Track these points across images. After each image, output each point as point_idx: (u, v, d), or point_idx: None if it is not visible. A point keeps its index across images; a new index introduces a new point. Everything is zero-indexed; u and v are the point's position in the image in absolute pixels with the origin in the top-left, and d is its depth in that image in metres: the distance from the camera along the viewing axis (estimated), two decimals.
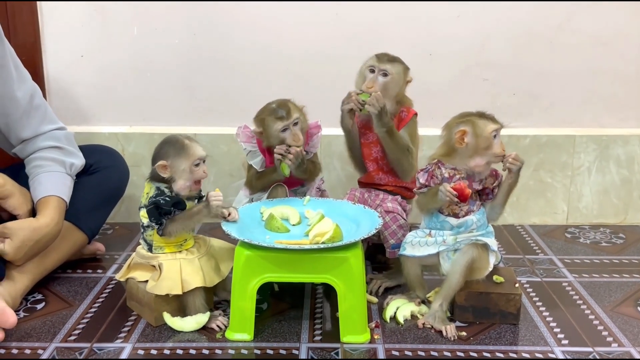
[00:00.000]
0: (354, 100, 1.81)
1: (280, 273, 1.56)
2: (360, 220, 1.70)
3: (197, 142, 1.63)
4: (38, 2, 2.27)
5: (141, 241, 1.68)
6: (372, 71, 1.82)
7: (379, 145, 1.88)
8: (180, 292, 1.58)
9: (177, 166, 1.59)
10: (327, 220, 1.61)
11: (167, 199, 1.58)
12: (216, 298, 1.75)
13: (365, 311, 1.59)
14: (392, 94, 1.83)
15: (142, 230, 1.65)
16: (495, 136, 1.62)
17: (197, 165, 1.60)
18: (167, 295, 1.59)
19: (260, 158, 1.88)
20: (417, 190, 1.70)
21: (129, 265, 1.70)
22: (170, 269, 1.60)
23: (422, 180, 1.68)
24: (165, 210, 1.57)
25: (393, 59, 1.84)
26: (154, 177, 1.62)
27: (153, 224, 1.59)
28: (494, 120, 1.63)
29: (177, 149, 1.59)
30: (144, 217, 1.62)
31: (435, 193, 1.62)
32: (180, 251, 1.64)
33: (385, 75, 1.81)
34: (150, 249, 1.64)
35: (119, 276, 1.71)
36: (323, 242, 1.53)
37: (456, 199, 1.59)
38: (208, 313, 1.62)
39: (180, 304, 1.63)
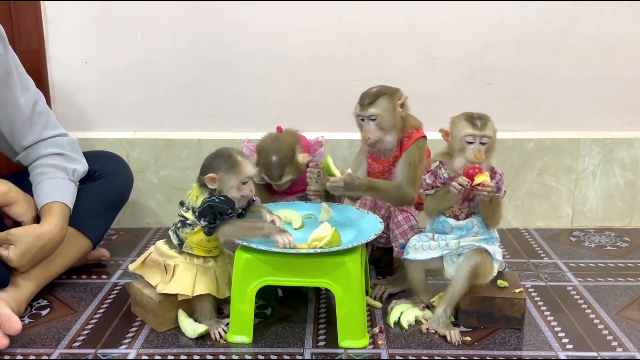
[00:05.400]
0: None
1: (279, 277, 1.57)
2: (362, 225, 1.70)
3: (249, 158, 1.62)
4: (42, 8, 2.29)
5: (171, 234, 1.65)
6: (363, 119, 1.81)
7: (385, 174, 1.87)
8: (190, 295, 1.58)
9: (226, 181, 1.58)
10: (326, 225, 1.61)
11: (222, 198, 1.57)
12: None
13: (364, 316, 1.59)
14: (389, 127, 1.81)
15: (178, 225, 1.63)
16: (469, 142, 1.60)
17: (245, 183, 1.59)
18: (176, 298, 1.60)
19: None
20: (423, 192, 1.69)
21: (144, 261, 1.69)
22: (185, 271, 1.61)
23: (428, 181, 1.67)
24: (221, 208, 1.55)
25: (375, 98, 1.78)
26: (203, 186, 1.61)
27: (204, 224, 1.57)
28: (474, 125, 1.60)
29: (229, 164, 1.58)
30: (186, 215, 1.62)
31: (444, 193, 1.62)
32: (198, 257, 1.63)
33: (374, 119, 1.79)
34: (180, 244, 1.63)
35: (132, 267, 1.71)
36: (320, 247, 1.53)
37: (469, 185, 1.55)
38: (206, 327, 1.62)
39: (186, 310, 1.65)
